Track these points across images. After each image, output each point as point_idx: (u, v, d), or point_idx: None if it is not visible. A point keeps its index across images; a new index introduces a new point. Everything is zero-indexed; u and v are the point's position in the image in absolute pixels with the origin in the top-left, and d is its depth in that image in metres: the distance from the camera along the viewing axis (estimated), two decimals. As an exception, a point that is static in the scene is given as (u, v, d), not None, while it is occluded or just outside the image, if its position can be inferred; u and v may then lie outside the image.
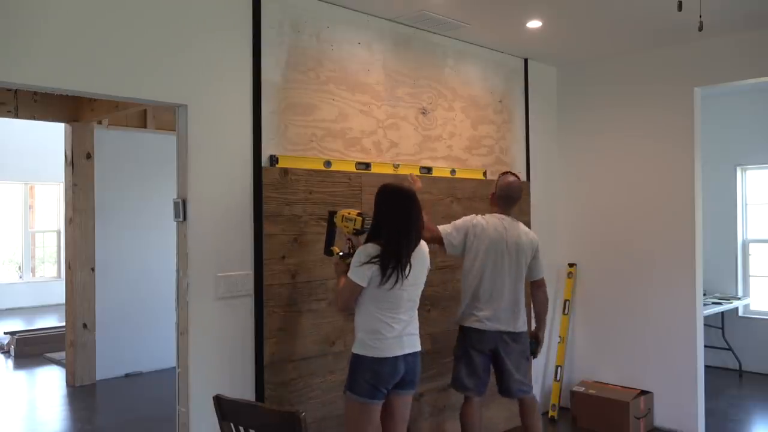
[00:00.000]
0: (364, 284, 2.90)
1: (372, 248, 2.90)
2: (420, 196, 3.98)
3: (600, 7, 3.81)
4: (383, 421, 3.02)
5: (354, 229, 3.13)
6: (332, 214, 3.30)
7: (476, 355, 3.67)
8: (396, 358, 2.94)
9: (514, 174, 3.85)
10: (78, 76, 2.73)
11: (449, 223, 3.76)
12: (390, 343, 2.93)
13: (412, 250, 2.97)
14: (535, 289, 3.83)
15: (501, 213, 3.78)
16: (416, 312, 3.09)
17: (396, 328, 2.95)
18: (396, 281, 2.89)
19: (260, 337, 3.25)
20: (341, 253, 3.20)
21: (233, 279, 3.20)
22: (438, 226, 3.70)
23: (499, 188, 3.80)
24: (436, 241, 3.64)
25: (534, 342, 3.85)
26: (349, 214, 3.18)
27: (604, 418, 4.67)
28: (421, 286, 3.10)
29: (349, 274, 2.94)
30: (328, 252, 3.30)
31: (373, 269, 2.88)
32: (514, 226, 3.76)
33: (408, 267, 2.93)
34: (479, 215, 3.78)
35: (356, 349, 2.97)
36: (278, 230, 3.32)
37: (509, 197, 3.78)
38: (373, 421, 2.95)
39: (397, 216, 2.95)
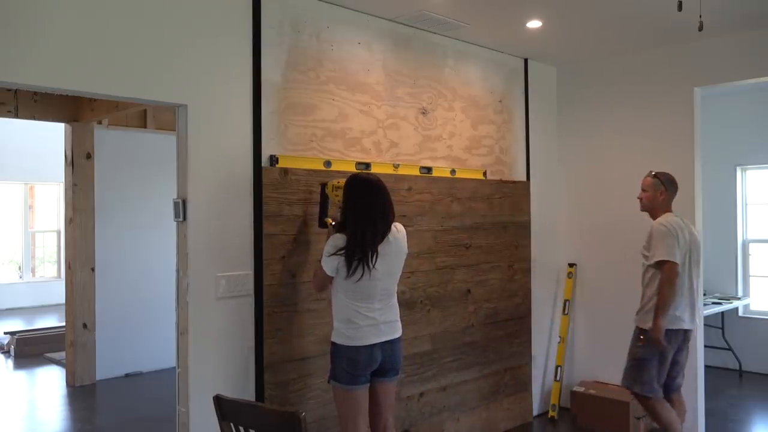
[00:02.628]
0: (332, 274, 2.95)
1: (340, 239, 2.93)
2: (420, 196, 4.03)
3: (600, 7, 3.81)
4: (369, 409, 3.06)
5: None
6: (324, 185, 3.34)
7: (668, 356, 3.75)
8: (372, 346, 2.97)
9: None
10: (78, 76, 2.73)
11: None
12: (365, 332, 2.95)
13: (379, 242, 2.95)
14: None
15: (669, 211, 3.81)
16: (394, 299, 3.10)
17: (370, 316, 2.97)
18: (363, 273, 2.90)
19: (260, 337, 3.25)
20: (334, 223, 3.21)
21: (233, 279, 3.20)
22: (665, 259, 3.64)
23: (667, 182, 3.81)
24: (673, 276, 3.63)
25: None
26: (338, 183, 3.19)
27: (604, 418, 4.67)
28: (397, 275, 3.09)
29: (321, 261, 2.98)
30: (322, 224, 3.34)
31: (339, 260, 2.91)
32: (686, 223, 3.83)
33: (374, 258, 2.92)
34: (661, 221, 3.74)
35: (334, 338, 3.02)
36: (278, 230, 3.32)
37: (674, 182, 3.82)
38: (361, 405, 3.00)
39: (362, 207, 2.95)
